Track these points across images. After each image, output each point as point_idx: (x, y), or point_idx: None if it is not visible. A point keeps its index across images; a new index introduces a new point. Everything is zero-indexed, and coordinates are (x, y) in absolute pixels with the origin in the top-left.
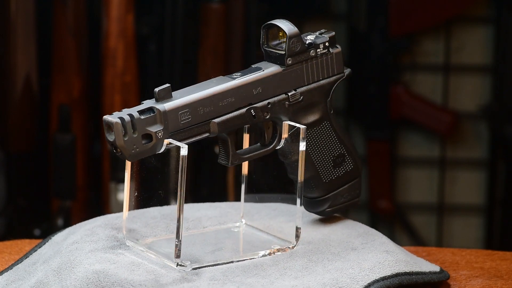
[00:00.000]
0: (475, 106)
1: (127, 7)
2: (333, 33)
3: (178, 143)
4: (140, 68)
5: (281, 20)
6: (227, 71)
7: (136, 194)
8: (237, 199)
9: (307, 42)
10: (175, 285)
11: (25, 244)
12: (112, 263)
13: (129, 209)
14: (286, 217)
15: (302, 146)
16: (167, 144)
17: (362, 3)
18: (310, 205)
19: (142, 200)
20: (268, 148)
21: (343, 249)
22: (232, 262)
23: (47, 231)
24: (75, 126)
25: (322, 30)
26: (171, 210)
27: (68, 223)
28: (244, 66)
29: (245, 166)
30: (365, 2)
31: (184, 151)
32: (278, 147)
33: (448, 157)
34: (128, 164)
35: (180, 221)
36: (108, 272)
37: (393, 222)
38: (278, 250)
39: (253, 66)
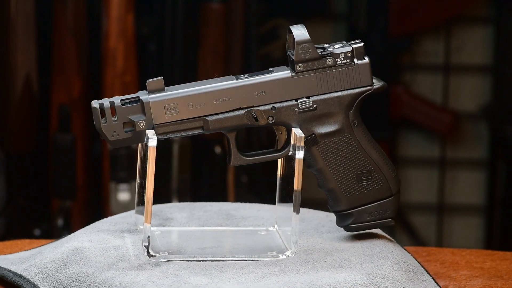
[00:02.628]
0: (475, 106)
1: (127, 7)
2: (361, 44)
3: (151, 135)
4: (140, 68)
5: (297, 26)
6: (227, 71)
7: (139, 181)
8: (237, 199)
9: (327, 50)
10: (123, 271)
11: (25, 244)
12: (100, 243)
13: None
14: (326, 227)
15: (299, 154)
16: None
17: (362, 3)
18: (337, 218)
19: (139, 188)
20: (277, 154)
21: (329, 265)
22: (209, 260)
23: (47, 231)
24: (75, 126)
25: (356, 41)
26: (232, 207)
27: (68, 223)
28: (244, 66)
29: (279, 170)
30: (365, 2)
31: (152, 142)
32: (289, 154)
33: (448, 157)
34: (138, 151)
35: (148, 213)
36: (84, 250)
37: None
38: (272, 256)
39: (270, 69)
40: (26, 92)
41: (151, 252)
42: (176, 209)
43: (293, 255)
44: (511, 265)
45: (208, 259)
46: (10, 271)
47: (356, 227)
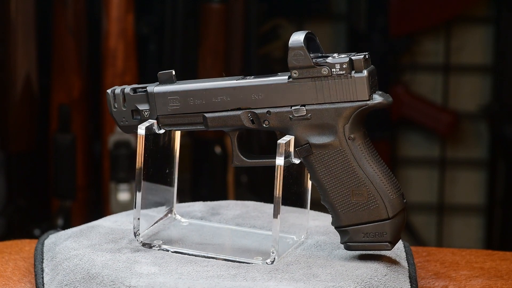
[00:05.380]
0: (475, 106)
1: (127, 7)
2: (361, 56)
3: (145, 124)
4: (140, 68)
5: (299, 32)
6: (227, 71)
7: (167, 171)
8: (237, 199)
9: (326, 59)
10: (96, 251)
11: (25, 244)
12: (119, 225)
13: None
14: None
15: (279, 160)
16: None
17: (362, 3)
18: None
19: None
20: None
21: (291, 278)
22: (194, 255)
23: (47, 231)
24: (75, 126)
25: (361, 53)
26: (293, 212)
27: (68, 223)
28: (244, 66)
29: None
30: (365, 2)
31: (141, 131)
32: (292, 161)
33: (448, 157)
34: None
35: (137, 201)
36: (96, 228)
37: None
38: (253, 261)
39: (278, 73)
40: (26, 92)
41: (139, 238)
42: (235, 207)
43: (271, 262)
44: (511, 265)
45: (190, 253)
46: (43, 238)
47: (352, 246)
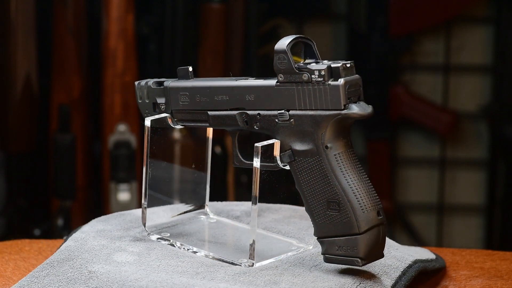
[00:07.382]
0: (475, 106)
1: (127, 7)
2: (339, 64)
3: (153, 117)
4: (140, 68)
5: (288, 36)
6: (227, 71)
7: (193, 166)
8: (237, 198)
9: (309, 65)
10: (99, 236)
11: (25, 244)
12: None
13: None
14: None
15: (255, 162)
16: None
17: (362, 3)
18: None
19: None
20: (271, 164)
21: (249, 282)
22: (189, 250)
23: (47, 231)
24: (75, 126)
25: (345, 61)
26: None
27: (68, 223)
28: (244, 66)
29: None
30: (365, 2)
31: (147, 123)
32: (281, 165)
33: (448, 157)
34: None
35: (145, 192)
36: (125, 215)
37: (393, 222)
38: (236, 262)
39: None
40: (26, 92)
41: (146, 229)
42: (280, 210)
43: (249, 265)
44: (511, 265)
45: (185, 248)
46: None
47: (329, 258)
